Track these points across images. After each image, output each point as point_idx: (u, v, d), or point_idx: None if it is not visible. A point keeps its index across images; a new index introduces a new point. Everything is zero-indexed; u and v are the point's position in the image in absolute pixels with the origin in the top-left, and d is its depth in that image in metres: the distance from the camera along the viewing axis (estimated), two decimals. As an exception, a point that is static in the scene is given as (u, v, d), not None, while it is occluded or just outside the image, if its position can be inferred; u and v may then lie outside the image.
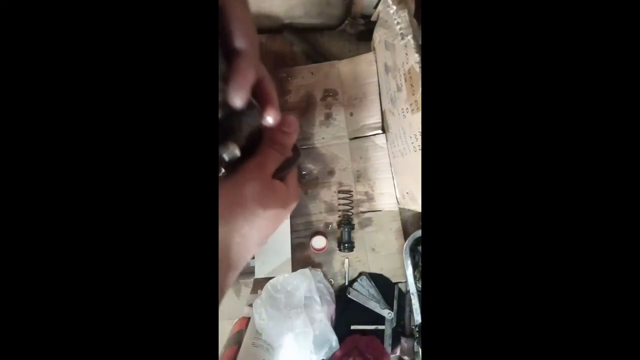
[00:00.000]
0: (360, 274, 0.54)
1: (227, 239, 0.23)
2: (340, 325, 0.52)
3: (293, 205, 0.28)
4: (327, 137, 0.55)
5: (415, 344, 0.50)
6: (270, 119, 0.26)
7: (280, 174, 0.28)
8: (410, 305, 0.51)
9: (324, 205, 0.55)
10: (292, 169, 0.29)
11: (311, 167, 0.55)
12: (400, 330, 0.53)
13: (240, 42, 0.22)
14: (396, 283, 0.54)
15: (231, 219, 0.23)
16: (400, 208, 0.55)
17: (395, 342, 0.52)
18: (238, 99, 0.22)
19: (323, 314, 0.49)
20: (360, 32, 0.55)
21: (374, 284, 0.53)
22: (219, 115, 0.22)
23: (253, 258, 0.55)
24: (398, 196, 0.54)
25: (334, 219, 0.55)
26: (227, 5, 0.21)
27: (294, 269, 0.51)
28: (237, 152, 0.23)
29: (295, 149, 0.30)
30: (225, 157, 0.23)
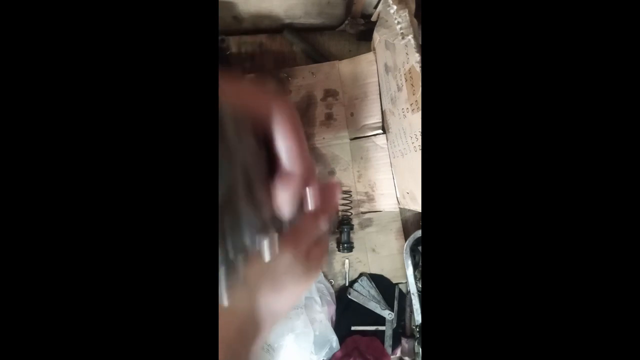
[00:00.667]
0: (361, 274, 0.54)
1: (252, 304, 0.22)
2: (341, 325, 0.51)
3: (320, 273, 0.27)
4: (328, 137, 0.55)
5: (416, 344, 0.50)
6: (324, 227, 0.25)
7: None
8: (411, 305, 0.51)
9: (324, 206, 0.55)
10: (327, 234, 0.28)
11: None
12: (401, 331, 0.52)
13: (294, 166, 0.21)
14: (397, 284, 0.54)
15: (258, 289, 0.22)
16: (400, 208, 0.55)
17: (395, 343, 0.52)
18: (287, 212, 0.22)
19: (323, 314, 0.49)
20: (361, 32, 0.55)
21: (374, 285, 0.53)
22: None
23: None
24: (398, 196, 0.54)
25: (333, 219, 0.55)
26: (287, 133, 0.20)
27: (294, 269, 0.51)
28: (277, 249, 0.22)
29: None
30: (267, 253, 0.21)
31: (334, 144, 0.55)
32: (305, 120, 0.55)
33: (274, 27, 0.56)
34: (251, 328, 0.23)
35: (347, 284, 0.53)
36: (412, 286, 0.51)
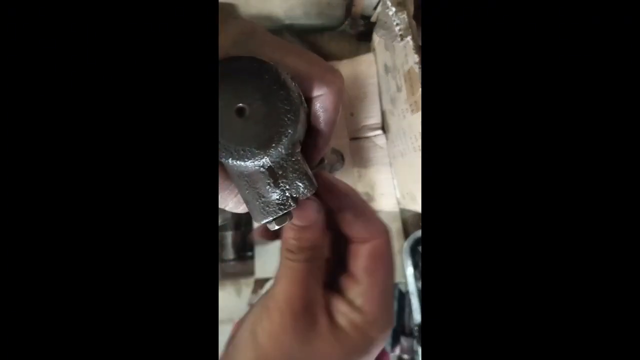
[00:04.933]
0: (361, 274, 0.54)
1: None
2: (341, 325, 0.52)
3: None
4: (327, 137, 0.55)
5: (415, 342, 0.51)
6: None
7: None
8: (410, 305, 0.52)
9: (324, 206, 0.55)
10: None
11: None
12: (400, 330, 0.53)
13: (328, 131, 0.22)
14: (396, 283, 0.54)
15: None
16: (400, 208, 0.55)
17: (395, 341, 0.52)
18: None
19: (323, 314, 0.49)
20: (360, 32, 0.55)
21: (374, 284, 0.53)
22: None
23: (252, 257, 0.55)
24: (398, 196, 0.54)
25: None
26: (330, 108, 0.21)
27: (294, 269, 0.51)
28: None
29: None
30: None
31: (334, 144, 0.55)
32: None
33: (274, 28, 0.56)
34: None
35: (347, 284, 0.54)
36: (412, 286, 0.51)
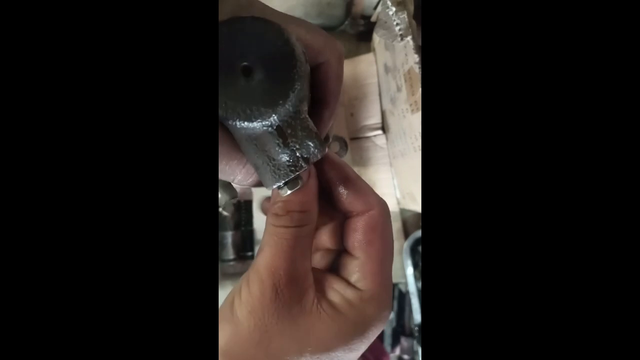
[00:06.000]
0: (361, 274, 0.54)
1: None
2: (341, 325, 0.52)
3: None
4: (327, 137, 0.55)
5: (415, 343, 0.51)
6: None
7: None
8: (410, 305, 0.52)
9: (324, 206, 0.55)
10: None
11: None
12: (400, 330, 0.53)
13: (332, 101, 0.22)
14: (396, 283, 0.54)
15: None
16: (400, 208, 0.55)
17: (395, 342, 0.52)
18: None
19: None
20: (360, 32, 0.55)
21: (374, 284, 0.53)
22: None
23: (252, 257, 0.55)
24: (398, 196, 0.54)
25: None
26: (333, 77, 0.21)
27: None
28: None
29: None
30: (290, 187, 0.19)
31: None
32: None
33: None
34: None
35: (347, 284, 0.54)
36: (412, 286, 0.51)
